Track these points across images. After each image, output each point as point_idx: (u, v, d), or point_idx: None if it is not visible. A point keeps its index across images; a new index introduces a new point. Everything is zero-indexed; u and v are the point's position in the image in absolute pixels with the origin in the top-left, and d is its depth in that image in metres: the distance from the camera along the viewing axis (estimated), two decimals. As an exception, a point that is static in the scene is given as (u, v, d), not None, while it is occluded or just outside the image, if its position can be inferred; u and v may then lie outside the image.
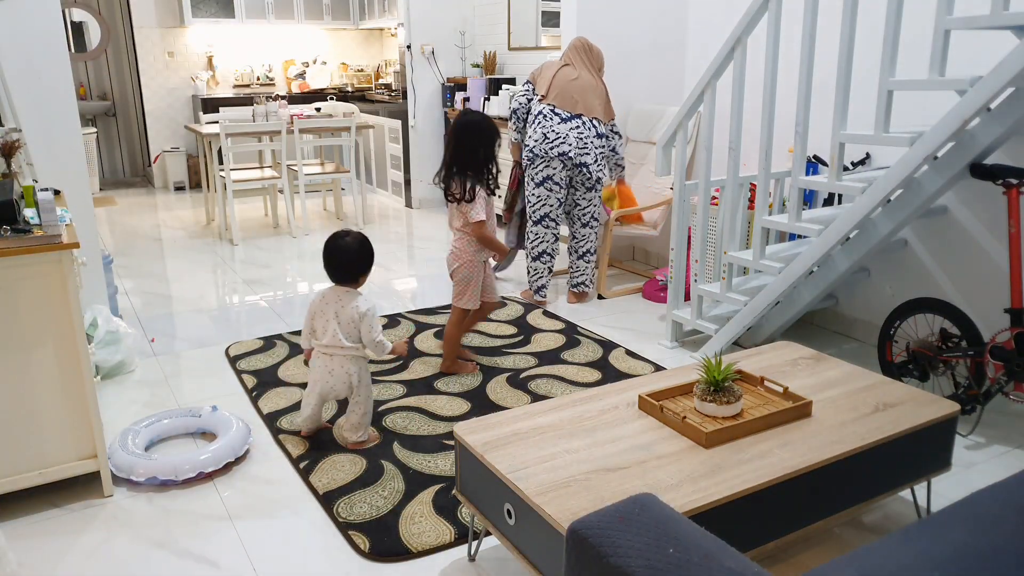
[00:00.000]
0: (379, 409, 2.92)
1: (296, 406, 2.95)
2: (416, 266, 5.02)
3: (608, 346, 3.56)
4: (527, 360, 3.42)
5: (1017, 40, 2.58)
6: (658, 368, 3.32)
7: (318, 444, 2.68)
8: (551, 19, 5.88)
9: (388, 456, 2.60)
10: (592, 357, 3.44)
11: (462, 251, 3.14)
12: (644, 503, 1.22)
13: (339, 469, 2.52)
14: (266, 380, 3.20)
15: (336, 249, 2.58)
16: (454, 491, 2.08)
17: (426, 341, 3.64)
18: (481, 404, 2.99)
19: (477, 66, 6.60)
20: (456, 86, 6.49)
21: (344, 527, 2.22)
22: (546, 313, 4.00)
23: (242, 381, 3.21)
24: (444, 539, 2.16)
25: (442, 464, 2.54)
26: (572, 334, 3.70)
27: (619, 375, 3.25)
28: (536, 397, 3.04)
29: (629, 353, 3.47)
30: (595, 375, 3.26)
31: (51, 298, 2.19)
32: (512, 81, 6.21)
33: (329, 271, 2.60)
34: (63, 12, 3.82)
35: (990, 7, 2.37)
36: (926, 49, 3.12)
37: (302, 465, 2.55)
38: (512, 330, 3.78)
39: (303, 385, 3.14)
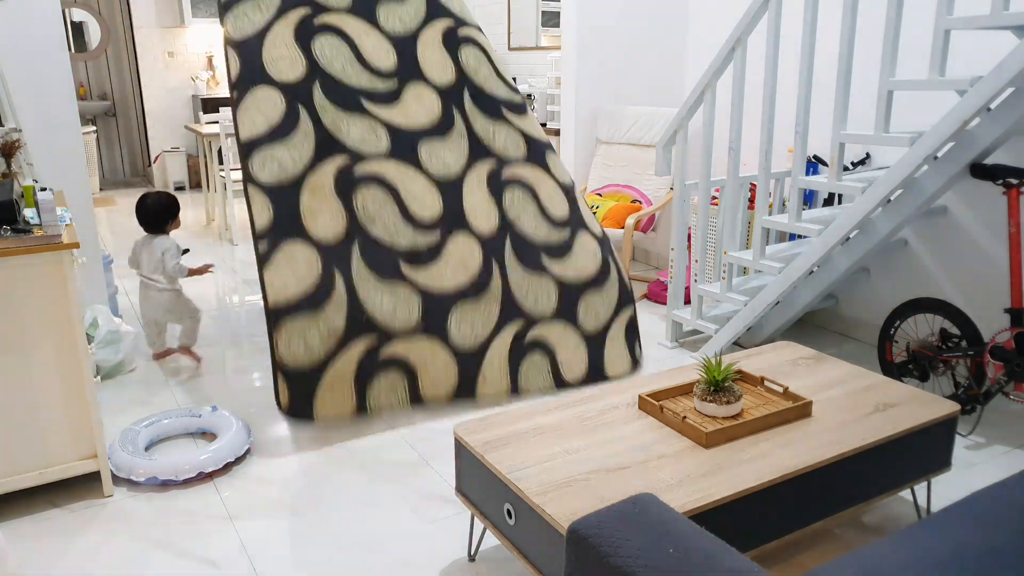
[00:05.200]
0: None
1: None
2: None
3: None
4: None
5: (1017, 40, 2.58)
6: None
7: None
8: (551, 19, 5.88)
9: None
10: None
11: None
12: (644, 503, 1.22)
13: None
14: (266, 380, 3.20)
15: (141, 205, 3.25)
16: (454, 490, 2.08)
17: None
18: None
19: (477, 66, 6.59)
20: (456, 86, 6.48)
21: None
22: None
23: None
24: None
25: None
26: None
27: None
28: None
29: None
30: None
31: (51, 298, 2.19)
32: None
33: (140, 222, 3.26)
34: (63, 12, 3.82)
35: (990, 7, 2.37)
36: (926, 49, 3.12)
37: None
38: None
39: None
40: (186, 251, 3.27)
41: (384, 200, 2.76)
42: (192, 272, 3.24)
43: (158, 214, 3.22)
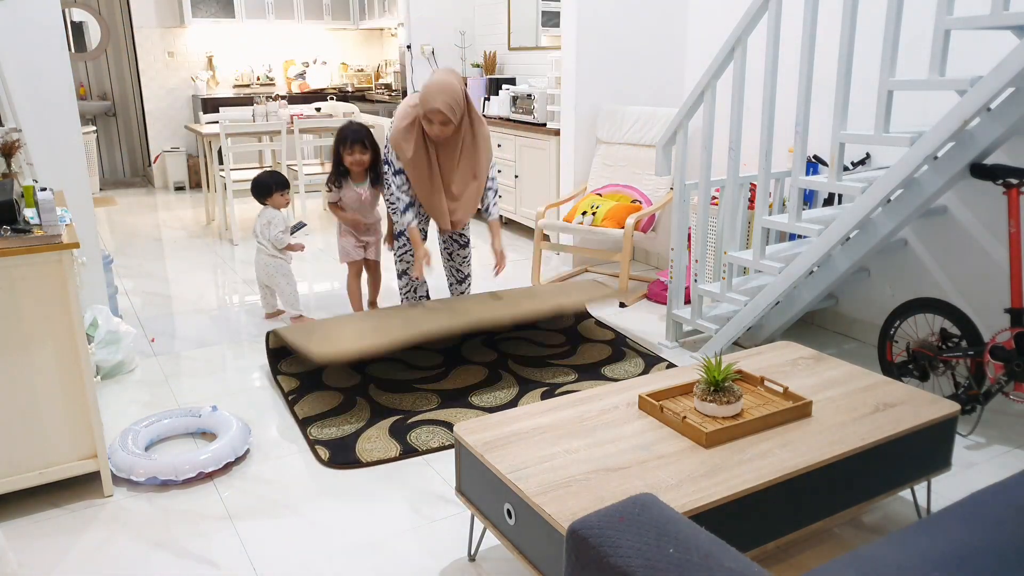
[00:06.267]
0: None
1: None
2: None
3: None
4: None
5: (1017, 40, 2.58)
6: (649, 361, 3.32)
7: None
8: (551, 19, 5.88)
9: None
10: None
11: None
12: (644, 503, 1.22)
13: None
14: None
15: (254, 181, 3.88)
16: (454, 490, 2.08)
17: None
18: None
19: (477, 66, 6.60)
20: (456, 86, 6.48)
21: (312, 443, 2.66)
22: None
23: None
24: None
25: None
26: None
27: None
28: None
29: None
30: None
31: (51, 298, 2.19)
32: (512, 81, 6.21)
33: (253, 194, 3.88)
34: (63, 12, 3.82)
35: (990, 7, 2.37)
36: (926, 49, 3.12)
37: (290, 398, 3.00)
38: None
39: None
40: (301, 226, 3.89)
41: None
42: (288, 248, 3.84)
43: (257, 187, 3.83)
